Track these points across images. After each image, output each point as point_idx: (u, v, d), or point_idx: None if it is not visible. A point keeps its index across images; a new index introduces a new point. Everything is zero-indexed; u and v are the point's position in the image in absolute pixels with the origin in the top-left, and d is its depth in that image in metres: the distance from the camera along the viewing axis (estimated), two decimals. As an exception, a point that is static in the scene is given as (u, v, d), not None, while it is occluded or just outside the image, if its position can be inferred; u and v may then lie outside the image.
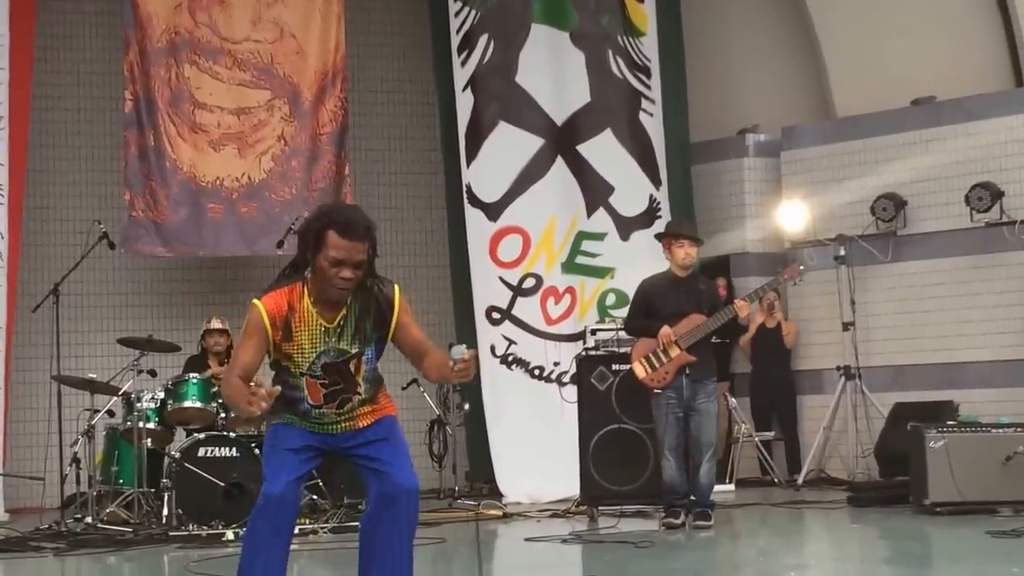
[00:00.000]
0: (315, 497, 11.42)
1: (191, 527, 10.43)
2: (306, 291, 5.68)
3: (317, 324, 5.69)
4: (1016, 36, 13.52)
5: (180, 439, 11.30)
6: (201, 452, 10.67)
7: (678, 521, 10.39)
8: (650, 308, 10.52)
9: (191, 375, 11.34)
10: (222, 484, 10.58)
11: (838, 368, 13.70)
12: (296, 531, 10.35)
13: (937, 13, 14.04)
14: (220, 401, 11.21)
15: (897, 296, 13.82)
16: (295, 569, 9.59)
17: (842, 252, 13.81)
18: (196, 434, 10.92)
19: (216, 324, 12.19)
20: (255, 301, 5.67)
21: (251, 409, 5.44)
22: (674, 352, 10.32)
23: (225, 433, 10.89)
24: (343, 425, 5.87)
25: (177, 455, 10.67)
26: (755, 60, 15.24)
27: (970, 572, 8.38)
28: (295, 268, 5.76)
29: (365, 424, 5.87)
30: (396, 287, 5.80)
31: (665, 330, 10.30)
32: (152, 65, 13.21)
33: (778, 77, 15.24)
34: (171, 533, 10.32)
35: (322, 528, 10.66)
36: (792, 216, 14.26)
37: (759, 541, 10.43)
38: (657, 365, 10.38)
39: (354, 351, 5.75)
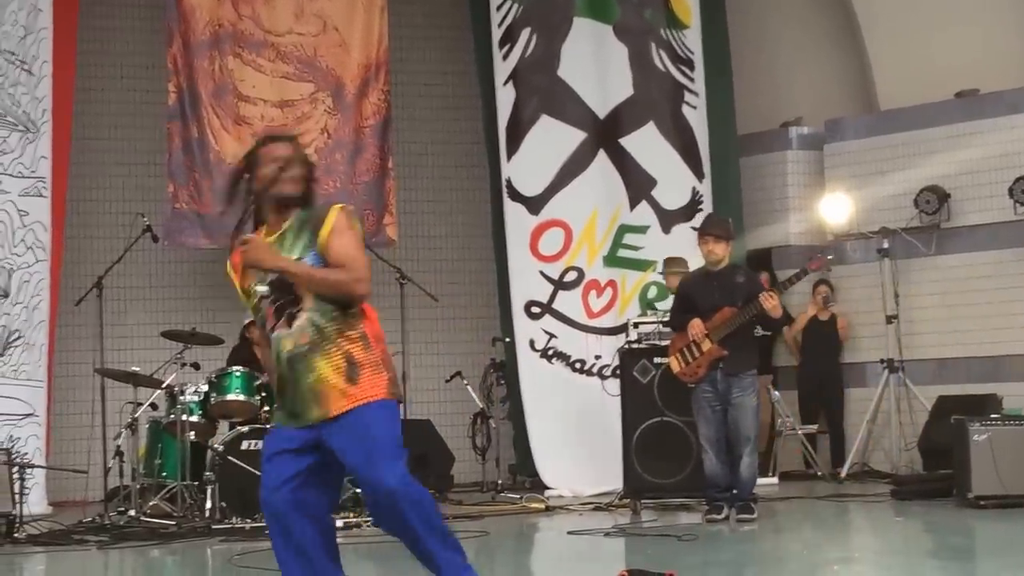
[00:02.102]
0: (358, 491, 11.43)
1: (234, 520, 10.45)
2: (253, 224, 5.65)
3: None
4: (1062, 27, 13.44)
5: (223, 432, 11.34)
6: (244, 445, 10.67)
7: (720, 515, 10.38)
8: (688, 303, 10.54)
9: (234, 368, 11.36)
10: (265, 477, 10.58)
11: (881, 361, 13.65)
12: (340, 524, 10.48)
13: (980, 5, 13.95)
14: (264, 394, 11.25)
15: (940, 289, 13.75)
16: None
17: (885, 245, 13.75)
18: (239, 427, 10.94)
19: (258, 316, 12.22)
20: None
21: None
22: (706, 346, 10.32)
23: (269, 425, 10.91)
24: (315, 412, 5.48)
25: (220, 448, 10.69)
26: (799, 53, 15.18)
27: (1015, 565, 8.32)
28: (240, 221, 5.69)
29: (338, 411, 5.46)
30: (337, 205, 5.65)
31: (695, 324, 10.31)
32: (195, 57, 13.25)
33: (821, 70, 15.18)
34: (214, 526, 10.35)
35: (366, 522, 10.67)
36: (835, 209, 14.21)
37: (802, 534, 10.38)
38: (690, 359, 10.39)
39: (294, 256, 5.53)
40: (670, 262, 12.35)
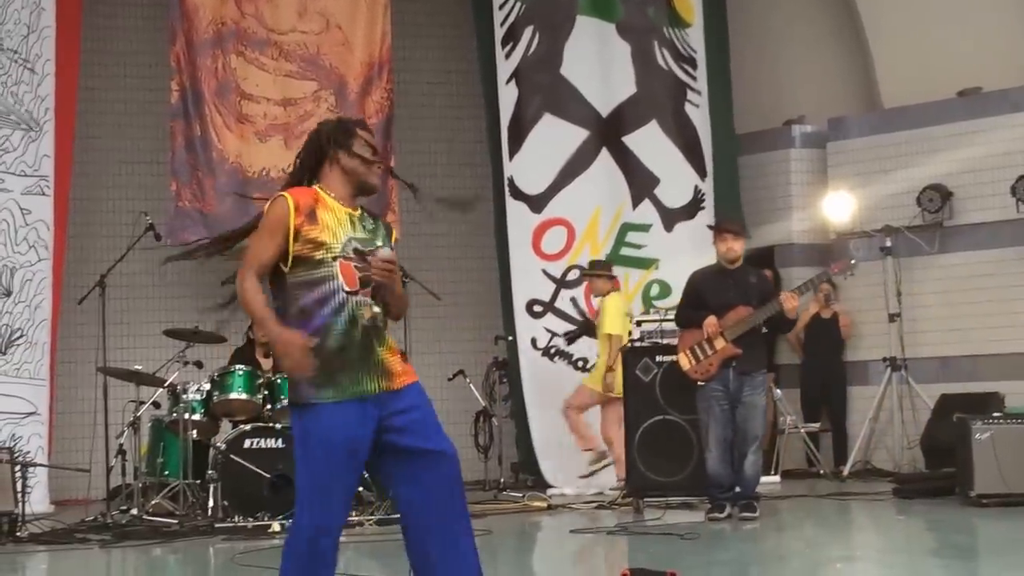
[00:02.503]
0: (360, 489, 11.44)
1: (237, 519, 10.45)
2: (323, 191, 5.39)
3: (343, 212, 5.38)
4: (1065, 26, 13.43)
5: (226, 431, 11.34)
6: (247, 444, 10.69)
7: (723, 513, 10.38)
8: (699, 300, 10.50)
9: (237, 367, 11.37)
10: (268, 476, 10.60)
11: (884, 359, 13.64)
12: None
13: (983, 3, 13.95)
14: (266, 392, 11.25)
15: (943, 287, 13.74)
16: (341, 562, 9.62)
17: (888, 243, 13.75)
18: (242, 425, 10.95)
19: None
20: (284, 194, 5.29)
21: (303, 367, 5.10)
22: (719, 344, 10.30)
23: (271, 424, 10.92)
24: (380, 383, 5.28)
25: (223, 447, 10.70)
26: (801, 51, 15.17)
27: (1018, 564, 8.32)
28: (298, 180, 5.46)
29: (401, 384, 5.33)
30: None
31: (711, 320, 10.27)
32: (199, 56, 13.26)
33: (824, 68, 15.17)
34: (216, 525, 10.35)
35: (368, 520, 10.67)
36: (838, 207, 14.21)
37: (805, 533, 10.38)
38: (702, 357, 10.36)
39: (379, 243, 5.43)
40: (594, 265, 12.44)
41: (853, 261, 10.97)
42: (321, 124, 5.51)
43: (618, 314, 12.02)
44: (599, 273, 12.23)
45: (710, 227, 11.07)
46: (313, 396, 5.19)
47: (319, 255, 5.25)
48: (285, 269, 5.23)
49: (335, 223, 5.32)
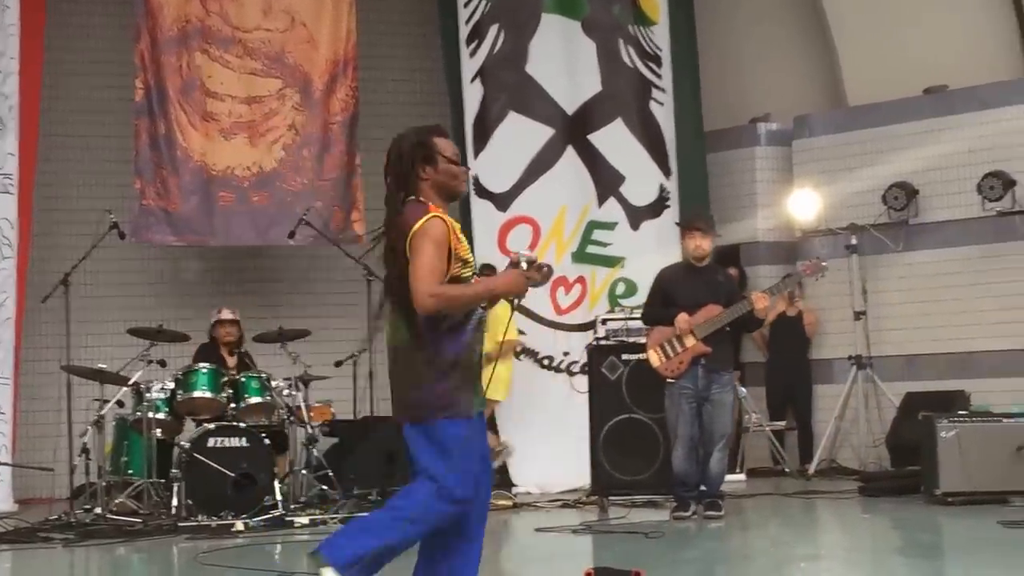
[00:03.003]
0: (325, 488, 11.42)
1: (200, 518, 10.42)
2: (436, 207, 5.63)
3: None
4: (1029, 24, 13.48)
5: (190, 429, 11.30)
6: (211, 442, 10.66)
7: (688, 512, 10.38)
8: (667, 297, 10.50)
9: (201, 365, 11.34)
10: (232, 474, 10.57)
11: (850, 358, 13.68)
12: (307, 520, 10.47)
13: (949, 1, 13.98)
14: (231, 391, 11.21)
15: (908, 285, 13.78)
16: (304, 560, 9.59)
17: (853, 241, 13.78)
18: (206, 424, 10.91)
19: (227, 315, 12.20)
20: (437, 214, 5.52)
21: (530, 280, 5.53)
22: (690, 342, 10.30)
23: (235, 423, 10.88)
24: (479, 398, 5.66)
25: (187, 445, 10.66)
26: (767, 49, 15.20)
27: (982, 562, 8.34)
28: (401, 200, 5.66)
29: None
30: None
31: (683, 317, 10.26)
32: (163, 54, 13.18)
33: (790, 66, 15.20)
34: (180, 524, 10.31)
35: (332, 519, 10.65)
36: (804, 205, 14.23)
37: (770, 531, 10.41)
38: (672, 354, 10.36)
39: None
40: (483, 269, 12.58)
41: (824, 264, 10.97)
42: (400, 140, 5.71)
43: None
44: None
45: (678, 224, 11.07)
46: (463, 408, 5.50)
47: (467, 273, 5.57)
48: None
49: (464, 241, 5.62)
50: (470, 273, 5.59)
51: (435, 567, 5.70)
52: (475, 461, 5.57)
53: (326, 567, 5.46)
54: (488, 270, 12.40)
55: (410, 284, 5.44)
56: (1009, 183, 13.00)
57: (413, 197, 5.62)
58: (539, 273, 5.63)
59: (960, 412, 11.31)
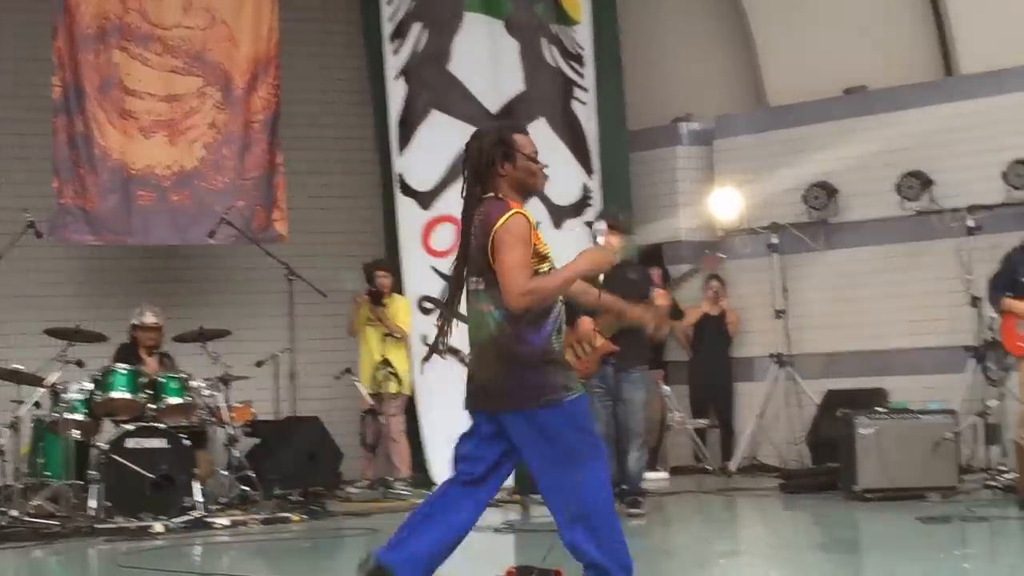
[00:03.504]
0: (246, 488, 11.35)
1: (119, 520, 10.31)
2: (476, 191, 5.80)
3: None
4: (945, 26, 13.60)
5: (108, 430, 11.18)
6: (129, 443, 10.57)
7: (610, 509, 10.38)
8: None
9: (119, 365, 11.23)
10: (151, 476, 10.47)
11: (771, 356, 13.77)
12: (227, 522, 10.40)
13: (868, 3, 14.10)
14: (150, 392, 11.11)
15: (829, 284, 13.89)
16: (225, 561, 9.54)
17: (775, 240, 13.87)
18: (124, 425, 10.80)
19: (150, 319, 12.06)
20: (519, 211, 5.65)
21: (608, 257, 5.80)
22: (598, 341, 10.33)
23: (154, 424, 10.78)
24: None
25: (105, 446, 10.55)
26: (689, 49, 15.26)
27: (900, 558, 8.42)
28: (479, 196, 5.76)
29: None
30: None
31: (583, 321, 10.32)
32: (81, 51, 13.01)
33: (711, 66, 15.28)
34: (98, 526, 10.20)
35: (253, 520, 10.58)
36: (725, 204, 14.30)
37: (691, 528, 10.46)
38: (581, 355, 10.40)
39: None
40: (375, 265, 12.90)
41: (723, 256, 11.10)
42: (480, 137, 5.81)
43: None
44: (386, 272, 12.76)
45: (588, 224, 11.10)
46: (569, 391, 5.68)
47: (544, 267, 5.70)
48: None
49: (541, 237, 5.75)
50: (547, 267, 5.71)
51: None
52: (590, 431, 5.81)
53: None
54: (382, 265, 12.54)
55: (500, 282, 5.56)
56: (927, 183, 13.13)
57: (492, 194, 5.73)
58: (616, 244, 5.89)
59: (878, 409, 11.42)
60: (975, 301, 12.25)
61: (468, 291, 5.87)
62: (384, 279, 12.93)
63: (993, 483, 11.20)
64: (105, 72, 13.02)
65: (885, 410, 11.40)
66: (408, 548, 5.82)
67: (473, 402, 5.85)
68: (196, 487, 10.70)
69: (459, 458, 6.01)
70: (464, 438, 6.00)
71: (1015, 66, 12.84)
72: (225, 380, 11.63)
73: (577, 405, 5.71)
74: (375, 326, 12.84)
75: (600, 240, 5.88)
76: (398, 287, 13.30)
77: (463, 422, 13.40)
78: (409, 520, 5.93)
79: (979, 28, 13.39)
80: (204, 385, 11.48)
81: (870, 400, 12.22)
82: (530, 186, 5.83)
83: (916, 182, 13.15)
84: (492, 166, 5.72)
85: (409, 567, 5.79)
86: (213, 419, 11.48)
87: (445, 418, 12.99)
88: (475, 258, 5.71)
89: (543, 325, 5.66)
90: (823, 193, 13.75)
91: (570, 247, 12.76)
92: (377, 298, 12.84)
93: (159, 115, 13.14)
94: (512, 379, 5.64)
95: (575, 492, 5.69)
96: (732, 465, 13.64)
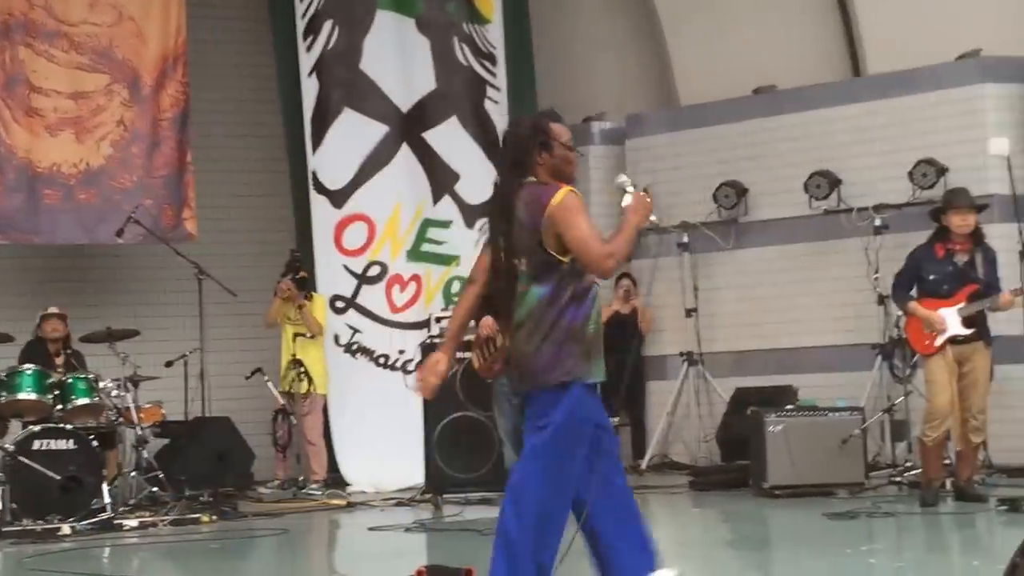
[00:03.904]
0: (155, 489, 11.25)
1: (26, 522, 10.16)
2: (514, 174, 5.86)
3: None
4: (853, 27, 13.75)
5: (15, 431, 11.03)
6: (36, 445, 10.40)
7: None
8: (486, 300, 10.51)
9: (26, 366, 11.08)
10: (58, 477, 10.33)
11: (681, 354, 13.85)
12: (137, 523, 10.31)
13: (778, 3, 14.22)
14: (57, 393, 10.97)
15: (739, 283, 13.98)
16: (134, 563, 9.46)
17: (685, 239, 13.94)
18: (31, 426, 10.66)
19: (53, 309, 11.95)
20: (569, 188, 5.73)
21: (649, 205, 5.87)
22: (500, 341, 10.32)
23: (62, 425, 10.64)
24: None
25: (11, 448, 10.40)
26: (601, 49, 15.31)
27: (808, 554, 8.50)
28: (517, 183, 5.79)
29: None
30: None
31: (485, 322, 10.33)
32: (-15, 48, 12.85)
33: (623, 65, 15.33)
34: (4, 528, 10.04)
35: (162, 521, 10.48)
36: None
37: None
38: (487, 355, 10.39)
39: None
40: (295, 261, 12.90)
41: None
42: (517, 126, 5.95)
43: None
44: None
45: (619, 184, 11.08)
46: (582, 373, 5.75)
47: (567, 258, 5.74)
48: (565, 259, 5.68)
49: None
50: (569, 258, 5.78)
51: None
52: (591, 427, 5.86)
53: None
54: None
55: (579, 255, 5.64)
56: (835, 182, 13.25)
57: (534, 179, 5.80)
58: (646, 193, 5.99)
59: (787, 407, 11.52)
60: (882, 299, 12.40)
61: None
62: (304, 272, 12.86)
63: (899, 479, 11.34)
64: (10, 69, 12.84)
65: (793, 408, 11.51)
66: None
67: (516, 384, 5.98)
68: (104, 488, 10.55)
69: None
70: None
71: (921, 66, 12.98)
72: (134, 380, 11.51)
73: (586, 394, 5.84)
74: (295, 324, 12.76)
75: (630, 190, 5.92)
76: (312, 285, 13.25)
77: (375, 424, 13.47)
78: None
79: (886, 29, 13.53)
80: (113, 385, 11.35)
81: (779, 398, 12.30)
82: (567, 173, 5.88)
83: (824, 181, 13.26)
84: (530, 154, 5.82)
85: None
86: (122, 420, 11.35)
87: (358, 420, 13.07)
88: (520, 240, 5.76)
89: (584, 301, 5.77)
90: (733, 192, 13.84)
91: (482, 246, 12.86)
92: (303, 284, 12.76)
93: (66, 113, 13.00)
94: (543, 356, 5.74)
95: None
96: (643, 463, 13.70)
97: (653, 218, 5.97)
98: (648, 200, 5.92)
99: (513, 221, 5.75)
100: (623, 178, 6.06)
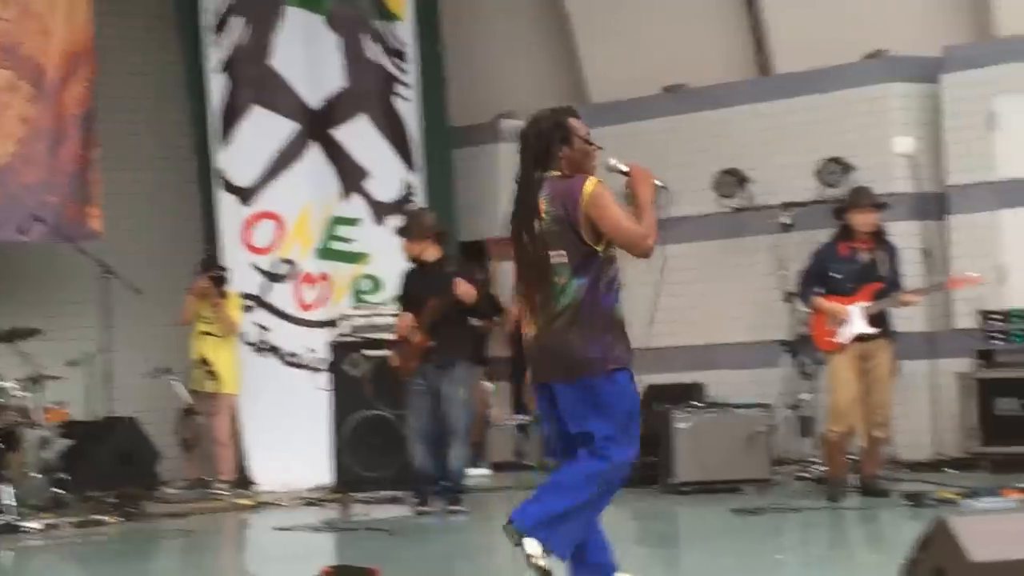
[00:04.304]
0: (59, 491, 11.12)
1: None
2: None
3: None
4: (762, 26, 13.85)
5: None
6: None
7: (430, 507, 10.40)
8: (406, 298, 10.56)
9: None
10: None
11: (592, 351, 13.84)
12: (40, 525, 10.18)
13: (688, 3, 14.28)
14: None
15: (649, 279, 13.88)
16: (37, 566, 9.34)
17: (596, 236, 13.94)
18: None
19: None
20: (596, 178, 5.98)
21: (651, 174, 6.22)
22: (416, 338, 10.33)
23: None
24: None
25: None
26: (512, 46, 15.31)
27: (717, 550, 8.55)
28: (539, 177, 6.01)
29: None
30: None
31: (401, 319, 10.32)
32: None
33: (534, 63, 15.34)
34: None
35: (66, 523, 10.35)
36: (547, 201, 14.34)
37: (512, 525, 10.45)
38: (405, 353, 10.39)
39: None
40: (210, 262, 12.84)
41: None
42: (538, 121, 6.12)
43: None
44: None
45: (398, 232, 11.10)
46: (629, 361, 5.98)
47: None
48: (599, 248, 5.93)
49: None
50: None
51: None
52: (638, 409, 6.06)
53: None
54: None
55: (620, 242, 5.96)
56: (743, 180, 13.33)
57: (557, 173, 6.00)
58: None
59: (695, 403, 11.58)
60: (789, 297, 12.48)
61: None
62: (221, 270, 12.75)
63: (805, 475, 11.43)
64: (-89, 64, 12.63)
65: (701, 404, 11.58)
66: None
67: (542, 375, 6.03)
68: (7, 490, 10.42)
69: (554, 441, 6.22)
70: (545, 428, 6.34)
71: (828, 66, 13.09)
72: (37, 380, 11.35)
73: (627, 380, 5.99)
74: (207, 322, 12.64)
75: (624, 168, 6.14)
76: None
77: (285, 423, 13.41)
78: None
79: (793, 28, 13.64)
80: (15, 386, 11.19)
81: (687, 394, 12.38)
82: (587, 167, 6.06)
83: (732, 179, 13.34)
84: (551, 150, 6.02)
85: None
86: (25, 420, 11.19)
87: (267, 419, 12.98)
88: (556, 232, 5.91)
89: (614, 287, 6.01)
90: (643, 190, 13.87)
91: (394, 243, 12.85)
92: (220, 282, 12.63)
93: (-36, 109, 12.79)
94: (585, 346, 5.87)
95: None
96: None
97: (658, 182, 6.23)
98: (644, 169, 6.19)
99: (539, 215, 5.94)
100: (612, 160, 6.18)
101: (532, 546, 5.87)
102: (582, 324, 5.89)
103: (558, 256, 5.92)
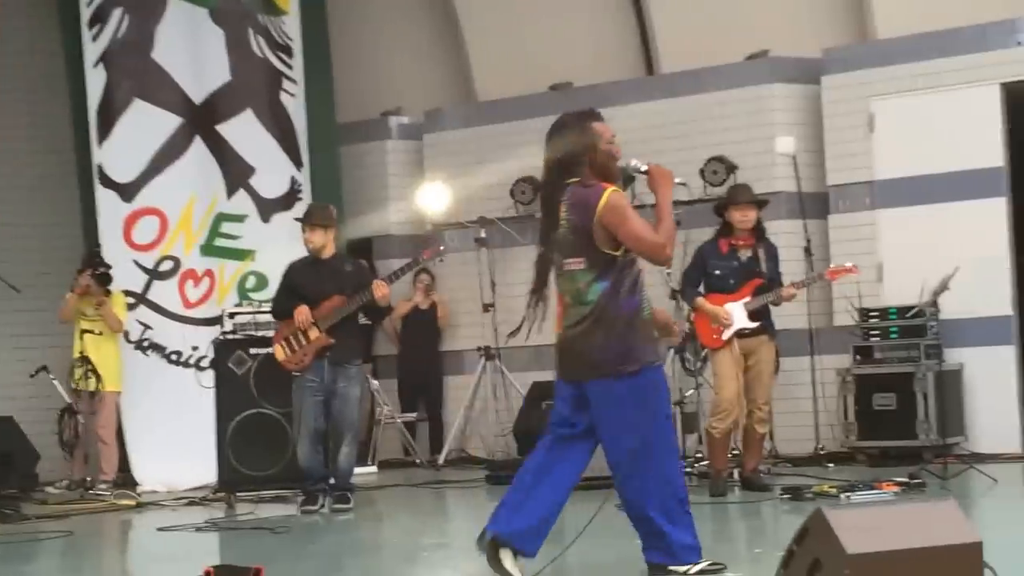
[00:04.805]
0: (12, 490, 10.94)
1: None
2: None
3: None
4: (647, 26, 13.95)
5: None
6: None
7: (316, 505, 10.35)
8: (295, 291, 10.47)
9: None
10: None
11: (479, 349, 13.89)
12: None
13: (574, 2, 14.35)
14: None
15: (526, 279, 14.03)
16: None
17: (483, 234, 13.99)
18: None
19: None
20: (613, 187, 6.14)
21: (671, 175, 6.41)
22: (313, 334, 10.26)
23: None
24: None
25: None
26: (399, 43, 15.28)
27: (603, 545, 8.57)
28: (564, 183, 6.19)
29: None
30: None
31: (302, 310, 10.25)
32: None
33: (422, 60, 15.33)
34: None
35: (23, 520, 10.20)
36: (434, 198, 14.37)
37: (400, 522, 10.47)
38: (296, 347, 10.32)
39: None
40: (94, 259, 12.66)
41: (443, 248, 11.19)
42: (562, 126, 6.28)
43: None
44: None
45: (298, 219, 11.05)
46: (654, 357, 6.22)
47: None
48: (618, 253, 6.10)
49: None
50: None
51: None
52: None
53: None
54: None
55: (637, 250, 6.13)
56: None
57: (577, 179, 6.16)
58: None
59: (581, 400, 11.58)
60: (674, 294, 12.55)
61: (559, 273, 6.34)
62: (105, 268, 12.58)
63: (690, 470, 11.50)
64: None
65: (587, 401, 11.58)
66: (523, 516, 6.38)
67: (565, 373, 6.35)
68: None
69: (557, 422, 6.46)
70: (558, 408, 6.49)
71: (712, 66, 13.22)
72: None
73: (658, 375, 6.20)
74: (89, 320, 12.45)
75: (644, 169, 6.27)
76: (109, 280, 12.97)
77: (168, 422, 13.26)
78: (515, 488, 6.43)
79: (678, 28, 13.76)
80: None
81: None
82: (612, 169, 6.20)
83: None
84: (578, 155, 6.14)
85: (527, 535, 6.46)
86: None
87: (149, 418, 12.83)
88: (572, 240, 6.13)
89: (637, 289, 6.17)
90: (530, 188, 13.91)
91: (280, 240, 12.78)
92: (104, 280, 12.43)
93: None
94: (606, 347, 6.09)
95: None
96: (440, 458, 13.72)
97: (679, 180, 6.34)
98: (664, 169, 6.28)
99: (558, 223, 6.15)
100: (634, 162, 6.32)
101: None
102: (604, 326, 6.09)
103: (576, 263, 6.14)
